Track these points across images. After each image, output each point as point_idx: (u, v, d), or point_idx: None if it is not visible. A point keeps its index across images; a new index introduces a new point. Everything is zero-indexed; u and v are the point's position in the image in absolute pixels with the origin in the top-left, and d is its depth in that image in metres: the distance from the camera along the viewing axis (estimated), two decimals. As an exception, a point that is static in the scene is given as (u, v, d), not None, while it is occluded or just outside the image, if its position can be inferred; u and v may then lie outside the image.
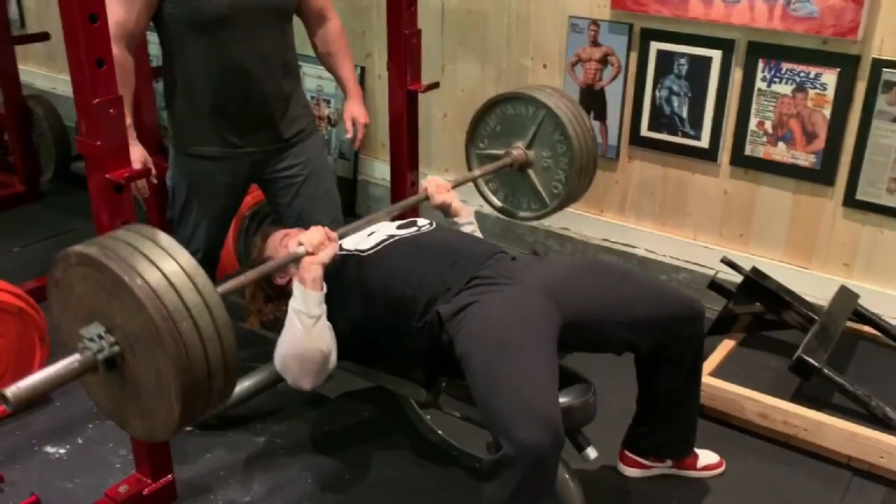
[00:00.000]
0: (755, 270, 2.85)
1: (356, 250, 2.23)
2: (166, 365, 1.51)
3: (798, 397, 2.59)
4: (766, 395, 2.56)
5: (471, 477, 2.44)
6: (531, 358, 1.90)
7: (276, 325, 2.19)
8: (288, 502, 2.37)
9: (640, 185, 3.35)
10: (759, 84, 2.96)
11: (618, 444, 2.43)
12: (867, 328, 2.88)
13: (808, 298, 2.87)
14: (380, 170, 4.00)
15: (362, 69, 3.85)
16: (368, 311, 2.15)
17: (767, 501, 2.38)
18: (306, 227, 2.16)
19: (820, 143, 2.91)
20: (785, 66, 2.89)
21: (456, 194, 2.50)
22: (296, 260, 2.06)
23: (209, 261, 2.59)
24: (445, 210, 2.48)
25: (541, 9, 3.34)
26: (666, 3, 3.00)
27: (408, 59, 2.81)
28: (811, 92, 2.87)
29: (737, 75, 3.00)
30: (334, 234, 2.12)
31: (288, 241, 2.27)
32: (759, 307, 2.89)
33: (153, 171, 2.35)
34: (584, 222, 3.52)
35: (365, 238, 2.29)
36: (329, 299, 2.13)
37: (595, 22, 3.21)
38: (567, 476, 2.12)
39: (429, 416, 2.60)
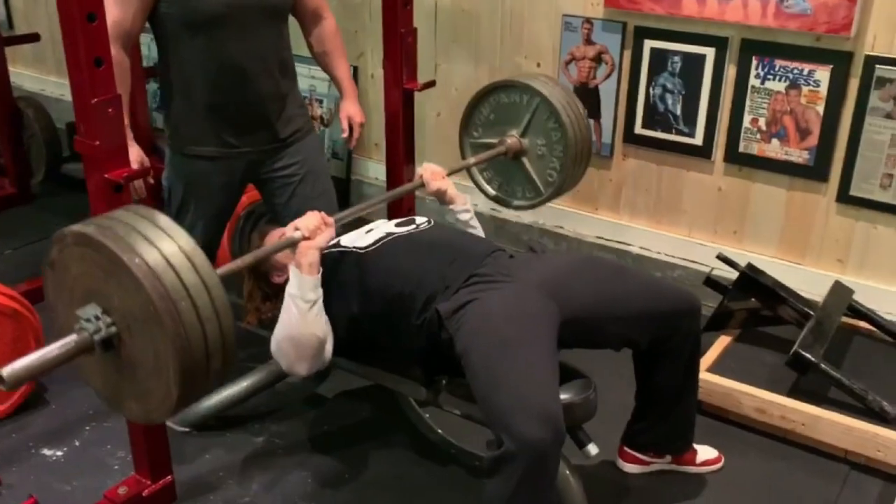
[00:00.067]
0: (751, 266, 2.86)
1: (354, 248, 2.23)
2: (164, 345, 1.50)
3: (795, 392, 2.60)
4: (763, 391, 2.57)
5: (470, 475, 2.44)
6: (531, 354, 1.91)
7: (275, 323, 2.18)
8: (287, 502, 2.36)
9: (635, 183, 3.36)
10: (753, 81, 2.97)
11: (616, 440, 2.44)
12: (862, 323, 2.90)
13: (802, 294, 2.88)
14: (373, 169, 4.00)
15: (355, 69, 3.85)
16: (367, 309, 2.15)
17: (766, 496, 2.39)
18: None
19: (813, 140, 2.93)
20: (778, 63, 2.91)
21: (451, 182, 2.47)
22: (292, 244, 2.06)
23: (206, 261, 2.58)
24: (441, 197, 2.46)
25: (534, 7, 3.35)
26: (659, 2, 3.01)
27: (404, 57, 2.80)
28: (804, 89, 2.89)
29: (730, 73, 3.02)
30: (330, 220, 2.11)
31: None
32: (755, 303, 2.90)
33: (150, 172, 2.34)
34: (578, 220, 3.53)
35: (363, 236, 2.29)
36: (327, 297, 2.13)
37: (589, 20, 3.22)
38: (568, 472, 2.13)
39: (427, 415, 2.60)
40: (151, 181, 2.49)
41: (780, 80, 2.92)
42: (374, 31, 3.72)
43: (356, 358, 2.34)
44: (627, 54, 3.20)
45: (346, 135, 2.75)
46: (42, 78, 5.12)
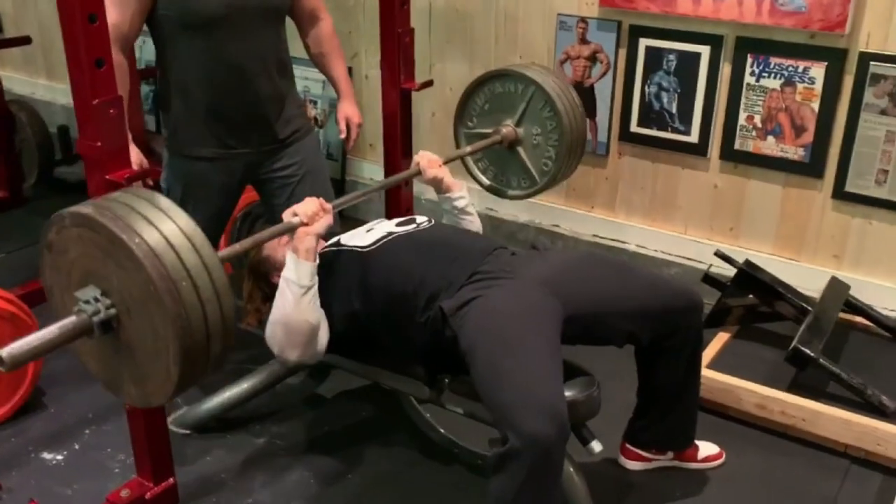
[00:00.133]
0: (748, 263, 2.88)
1: (355, 247, 2.23)
2: (164, 326, 1.48)
3: (794, 388, 2.61)
4: (763, 387, 2.58)
5: (473, 474, 2.44)
6: (536, 350, 1.91)
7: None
8: (289, 503, 2.36)
9: (631, 181, 3.37)
10: (748, 79, 2.98)
11: (619, 437, 2.44)
12: (858, 319, 2.92)
13: (799, 290, 2.89)
14: (368, 170, 4.00)
15: (349, 70, 3.83)
16: (369, 308, 2.14)
17: (767, 491, 2.40)
18: None
19: (809, 137, 2.94)
20: (773, 60, 2.92)
21: (447, 170, 2.46)
22: (291, 230, 2.05)
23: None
24: (437, 185, 2.45)
25: (529, 7, 3.35)
26: (654, 0, 3.02)
27: (401, 57, 2.80)
28: (799, 86, 2.90)
29: (725, 70, 3.03)
30: (329, 206, 2.11)
31: (286, 240, 2.26)
32: (753, 299, 2.91)
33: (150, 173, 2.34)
34: (574, 218, 3.53)
35: (363, 235, 2.29)
36: (328, 295, 2.13)
37: (583, 19, 3.23)
38: (572, 470, 2.14)
39: (428, 415, 2.60)
40: (150, 183, 2.48)
41: (775, 78, 2.94)
42: (368, 32, 3.71)
43: (358, 357, 2.33)
44: (622, 53, 3.21)
45: (343, 136, 2.74)
46: (32, 81, 5.10)
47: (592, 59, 3.27)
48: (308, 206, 2.07)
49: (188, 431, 2.59)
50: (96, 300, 1.54)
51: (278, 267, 2.32)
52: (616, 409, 2.37)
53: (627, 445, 2.44)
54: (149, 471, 2.26)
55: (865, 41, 2.77)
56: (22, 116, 4.11)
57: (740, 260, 2.90)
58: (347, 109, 2.73)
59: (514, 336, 1.92)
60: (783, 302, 2.83)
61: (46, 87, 5.01)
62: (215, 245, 2.64)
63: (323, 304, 2.12)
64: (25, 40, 4.26)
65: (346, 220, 3.56)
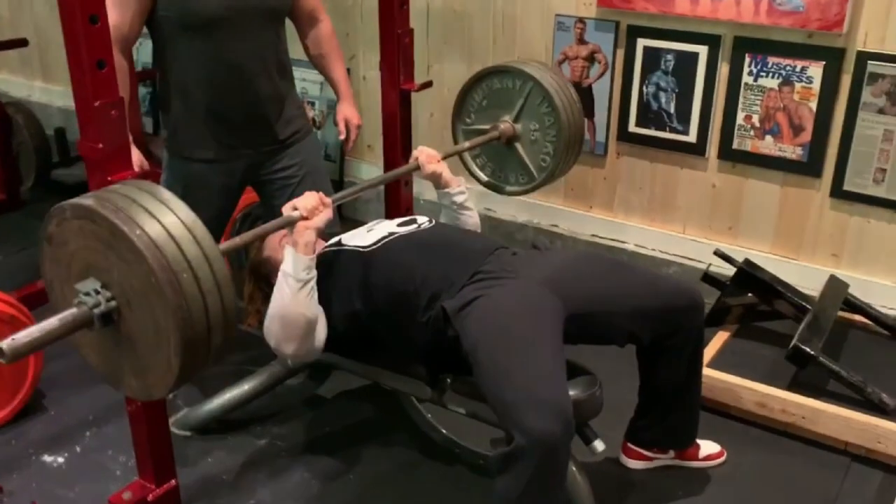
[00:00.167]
0: (748, 262, 2.88)
1: (356, 247, 2.23)
2: (165, 317, 1.48)
3: (794, 386, 2.62)
4: (763, 385, 2.59)
5: (474, 474, 2.45)
6: (540, 349, 1.91)
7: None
8: (291, 503, 2.36)
9: (629, 181, 3.37)
10: (746, 78, 2.99)
11: (620, 436, 2.45)
12: (857, 317, 2.92)
13: (798, 289, 2.90)
14: (366, 171, 3.99)
15: (347, 71, 3.83)
16: (370, 308, 2.14)
17: (768, 489, 2.41)
18: None
19: (807, 136, 2.95)
20: (771, 60, 2.93)
21: (446, 165, 2.46)
22: (290, 224, 2.06)
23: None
24: (436, 180, 2.45)
25: (527, 7, 3.36)
26: (652, 0, 3.03)
27: (401, 58, 2.80)
28: (797, 85, 2.91)
29: (723, 70, 3.04)
30: (328, 200, 2.11)
31: (286, 241, 2.26)
32: (752, 298, 2.92)
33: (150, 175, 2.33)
34: (573, 219, 3.54)
35: (364, 235, 2.29)
36: (329, 295, 2.13)
37: (581, 20, 3.23)
38: (574, 469, 2.14)
39: (429, 415, 2.60)
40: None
41: (772, 77, 2.95)
42: (365, 34, 3.72)
43: (359, 357, 2.33)
44: (620, 53, 3.21)
45: (342, 137, 2.74)
46: (29, 83, 5.09)
47: (590, 59, 3.27)
48: (308, 201, 2.07)
49: (189, 433, 2.58)
50: (97, 292, 1.54)
51: (279, 268, 2.32)
52: (617, 409, 2.37)
53: (629, 444, 2.44)
54: (150, 472, 2.25)
55: (863, 40, 2.78)
56: (18, 119, 4.10)
57: (739, 259, 2.91)
58: (347, 111, 2.73)
59: (518, 335, 1.92)
60: (782, 301, 2.84)
61: (43, 89, 5.00)
62: (215, 246, 2.65)
63: (324, 304, 2.12)
64: (21, 42, 4.25)
65: (346, 220, 3.57)
